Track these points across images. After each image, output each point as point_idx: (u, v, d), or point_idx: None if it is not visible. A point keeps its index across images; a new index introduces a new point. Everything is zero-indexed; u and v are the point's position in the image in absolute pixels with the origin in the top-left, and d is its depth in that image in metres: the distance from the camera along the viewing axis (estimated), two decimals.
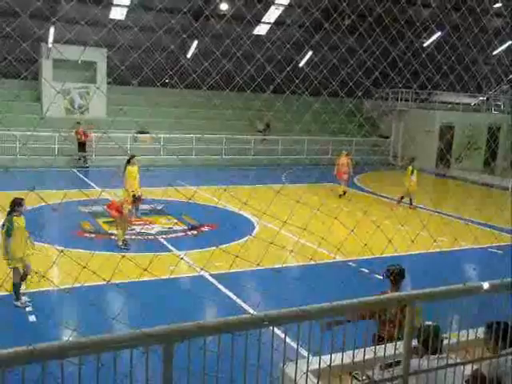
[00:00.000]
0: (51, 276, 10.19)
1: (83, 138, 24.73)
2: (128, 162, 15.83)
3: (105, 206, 13.78)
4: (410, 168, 19.23)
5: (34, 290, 9.50)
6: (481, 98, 33.86)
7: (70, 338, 2.86)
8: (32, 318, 8.80)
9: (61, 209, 14.84)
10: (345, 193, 20.26)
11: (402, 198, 19.22)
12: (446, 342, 4.49)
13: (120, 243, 12.83)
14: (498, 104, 34.66)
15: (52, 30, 25.56)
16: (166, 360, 2.98)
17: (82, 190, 14.84)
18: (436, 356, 4.39)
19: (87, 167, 17.16)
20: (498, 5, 24.83)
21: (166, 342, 2.99)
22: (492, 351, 4.77)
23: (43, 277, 3.66)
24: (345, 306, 3.58)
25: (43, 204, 13.57)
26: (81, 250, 11.48)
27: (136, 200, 13.66)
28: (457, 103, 33.20)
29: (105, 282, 6.10)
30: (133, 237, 13.96)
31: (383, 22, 6.63)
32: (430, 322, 4.63)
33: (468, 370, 4.56)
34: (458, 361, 4.37)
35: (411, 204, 18.98)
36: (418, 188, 19.26)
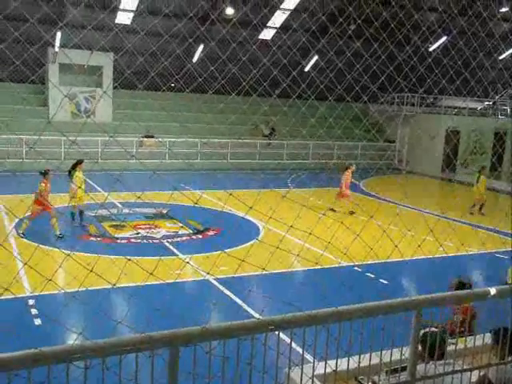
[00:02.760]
0: (57, 279, 10.21)
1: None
2: (75, 166, 14.82)
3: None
4: (477, 175, 19.60)
5: (40, 294, 9.52)
6: (487, 103, 33.77)
7: (76, 342, 2.86)
8: (38, 322, 8.81)
9: (66, 213, 14.89)
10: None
11: (474, 205, 19.45)
12: (452, 347, 4.46)
13: (58, 232, 13.50)
14: (504, 109, 34.54)
15: (59, 35, 25.70)
16: (172, 364, 2.97)
17: (89, 193, 14.85)
18: (442, 362, 4.37)
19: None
20: (504, 9, 24.80)
21: (172, 345, 2.98)
22: (499, 357, 4.74)
23: (50, 280, 3.66)
24: (350, 310, 3.57)
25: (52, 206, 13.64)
26: (86, 254, 11.50)
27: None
28: (463, 108, 33.13)
29: (110, 286, 6.10)
30: (138, 240, 13.98)
31: (389, 27, 6.62)
32: (434, 328, 4.61)
33: (475, 376, 4.54)
34: (465, 367, 4.35)
35: (480, 210, 19.37)
36: (424, 193, 19.27)
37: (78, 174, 14.67)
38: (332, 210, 17.53)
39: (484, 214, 19.09)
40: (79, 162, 14.87)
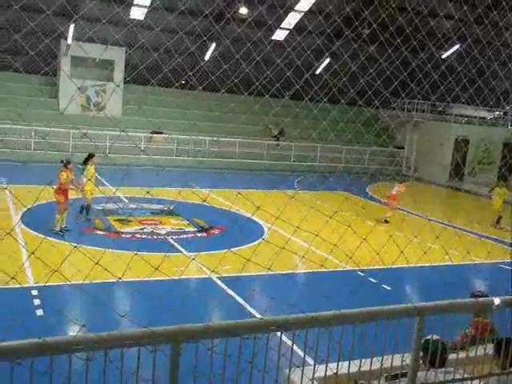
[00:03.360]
0: (62, 271, 10.24)
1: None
2: (87, 160, 14.82)
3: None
4: (497, 189, 19.34)
5: (43, 285, 9.56)
6: (497, 113, 33.62)
7: (79, 334, 2.87)
8: (40, 312, 8.84)
9: (74, 205, 14.94)
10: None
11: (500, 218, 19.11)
12: (454, 356, 4.45)
13: (57, 228, 13.32)
14: None
15: (72, 28, 25.79)
16: (174, 359, 2.98)
17: (98, 187, 14.92)
18: (443, 370, 4.36)
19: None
20: None
21: (174, 341, 2.99)
22: (500, 368, 4.72)
23: (55, 271, 3.68)
24: (353, 314, 3.57)
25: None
26: (91, 247, 11.54)
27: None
28: (473, 117, 33.00)
29: (113, 280, 6.12)
30: (143, 236, 14.01)
31: (404, 32, 6.61)
32: (436, 336, 4.60)
33: None
34: (466, 376, 4.33)
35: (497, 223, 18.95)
36: (433, 200, 19.24)
37: (90, 168, 14.73)
38: (385, 221, 17.69)
39: (501, 228, 18.59)
40: (91, 156, 14.89)
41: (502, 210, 19.07)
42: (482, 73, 7.85)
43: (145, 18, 26.67)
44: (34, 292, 9.46)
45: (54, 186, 13.26)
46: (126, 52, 27.34)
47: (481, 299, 4.93)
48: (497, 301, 4.20)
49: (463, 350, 4.62)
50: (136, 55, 24.74)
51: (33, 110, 25.70)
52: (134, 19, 26.07)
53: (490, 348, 4.84)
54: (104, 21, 6.17)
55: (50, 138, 22.93)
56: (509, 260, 12.81)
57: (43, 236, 12.01)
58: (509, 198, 19.48)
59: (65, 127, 24.62)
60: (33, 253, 3.90)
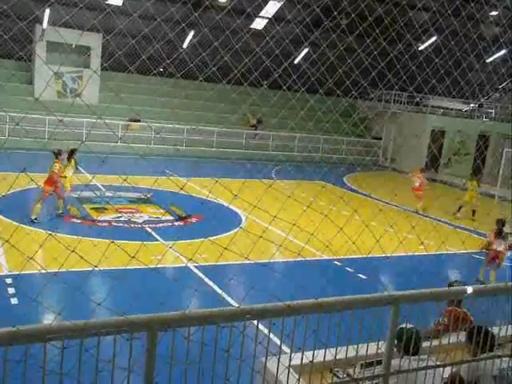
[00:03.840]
0: (37, 260, 10.13)
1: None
2: (70, 157, 14.74)
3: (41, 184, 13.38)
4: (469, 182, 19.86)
5: (18, 273, 9.45)
6: (473, 105, 34.05)
7: (54, 322, 2.84)
8: (14, 301, 8.74)
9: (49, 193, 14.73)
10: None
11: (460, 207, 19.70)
12: (428, 344, 4.53)
13: (33, 217, 13.20)
14: (490, 111, 34.89)
15: (47, 12, 25.32)
16: (150, 347, 2.98)
17: (76, 175, 14.73)
18: (416, 357, 4.43)
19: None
20: (495, 13, 24.97)
21: (150, 329, 2.98)
22: (472, 355, 4.83)
23: (31, 258, 3.64)
24: (330, 302, 3.60)
25: (32, 186, 13.49)
26: (67, 235, 11.42)
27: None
28: (449, 109, 33.37)
29: (89, 268, 6.07)
30: (119, 224, 13.92)
31: (382, 23, 6.63)
32: (410, 325, 4.67)
33: (447, 372, 4.62)
34: (438, 363, 4.42)
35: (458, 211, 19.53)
36: (409, 190, 19.62)
37: (72, 163, 14.76)
38: (416, 212, 18.36)
39: (457, 217, 19.21)
40: (73, 152, 14.83)
41: (470, 201, 19.49)
42: (459, 65, 7.94)
43: (122, 4, 26.31)
44: (9, 280, 9.35)
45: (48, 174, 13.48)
46: (103, 38, 26.95)
47: (453, 288, 5.02)
48: (469, 289, 4.28)
49: (436, 338, 4.71)
50: (113, 41, 24.40)
51: (6, 96, 25.21)
52: (112, 4, 25.70)
53: (462, 336, 4.93)
54: (81, 6, 6.08)
55: (24, 125, 22.57)
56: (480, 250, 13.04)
57: (17, 224, 11.86)
58: (478, 190, 20.03)
59: (40, 113, 24.23)
60: (7, 241, 3.85)
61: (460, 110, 34.48)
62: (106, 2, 25.82)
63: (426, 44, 28.28)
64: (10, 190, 13.16)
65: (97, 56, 27.42)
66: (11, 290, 9.07)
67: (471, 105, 33.98)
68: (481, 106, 34.03)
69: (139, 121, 27.38)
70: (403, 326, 4.54)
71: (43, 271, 8.05)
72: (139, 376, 3.02)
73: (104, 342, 2.93)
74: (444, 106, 33.65)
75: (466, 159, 31.79)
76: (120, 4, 26.29)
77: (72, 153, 14.81)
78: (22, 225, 11.71)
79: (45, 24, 26.01)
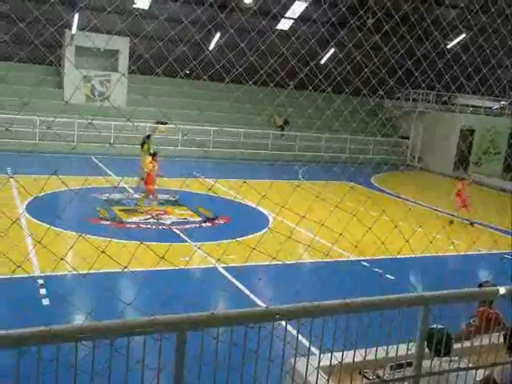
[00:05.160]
0: (67, 261, 10.29)
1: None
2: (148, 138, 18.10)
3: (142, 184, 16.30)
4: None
5: (49, 274, 9.60)
6: (503, 102, 33.43)
7: (85, 322, 2.88)
8: (46, 302, 8.88)
9: (78, 195, 14.95)
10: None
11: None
12: (459, 345, 4.46)
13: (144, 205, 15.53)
14: None
15: (76, 17, 25.72)
16: (179, 348, 2.99)
17: (105, 177, 14.98)
18: (448, 359, 4.37)
19: None
20: None
21: (179, 330, 3.00)
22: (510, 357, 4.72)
23: (62, 259, 3.70)
24: (359, 303, 3.57)
25: (62, 189, 13.72)
26: (97, 237, 11.57)
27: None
28: (478, 106, 32.82)
29: (119, 270, 6.14)
30: (147, 226, 14.05)
31: (409, 21, 6.56)
32: (441, 326, 4.60)
33: (480, 375, 4.53)
34: (471, 365, 4.34)
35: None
36: (434, 190, 19.20)
37: (145, 149, 17.48)
38: (451, 222, 16.68)
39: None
40: (148, 137, 18.38)
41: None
42: (488, 62, 7.80)
43: (149, 8, 26.57)
44: (40, 281, 9.51)
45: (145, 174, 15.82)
46: (131, 41, 27.27)
47: (486, 289, 4.92)
48: (502, 290, 4.20)
49: (468, 340, 4.63)
50: (141, 45, 24.67)
51: (37, 100, 25.70)
52: (139, 8, 25.98)
53: (494, 338, 4.84)
54: (109, 10, 6.15)
55: (54, 128, 22.95)
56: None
57: (48, 225, 12.05)
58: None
59: (69, 117, 24.61)
60: (39, 242, 3.91)
61: (490, 107, 33.88)
62: (134, 6, 26.12)
63: (455, 42, 27.87)
64: (41, 193, 13.43)
65: (124, 59, 27.75)
66: (43, 291, 9.22)
67: (501, 102, 33.36)
68: (511, 103, 33.37)
69: (166, 123, 27.61)
70: (434, 326, 4.48)
71: (74, 272, 8.16)
72: (169, 376, 3.04)
73: (134, 342, 2.96)
74: (473, 104, 33.10)
75: (496, 158, 31.23)
76: (147, 7, 26.55)
77: (148, 138, 18.02)
78: (52, 226, 11.90)
79: (74, 29, 26.42)
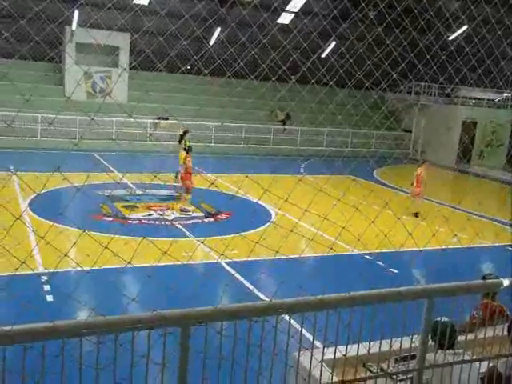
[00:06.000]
0: (70, 257, 10.30)
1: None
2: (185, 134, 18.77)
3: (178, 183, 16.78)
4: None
5: (52, 271, 9.61)
6: (506, 94, 33.30)
7: (89, 318, 2.89)
8: (50, 298, 8.91)
9: (81, 192, 14.95)
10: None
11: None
12: (463, 338, 4.46)
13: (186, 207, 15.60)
14: None
15: (76, 14, 25.66)
16: (183, 342, 3.00)
17: (108, 174, 14.98)
18: (452, 351, 4.37)
19: None
20: None
21: (183, 324, 3.00)
22: None
23: (65, 255, 3.72)
24: (363, 296, 3.57)
25: (65, 186, 13.72)
26: (99, 233, 11.58)
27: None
28: (481, 99, 32.69)
29: (122, 265, 6.15)
30: (150, 221, 14.06)
31: (411, 13, 6.53)
32: (445, 318, 4.60)
33: (484, 366, 4.53)
34: (475, 357, 4.34)
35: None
36: (438, 182, 19.12)
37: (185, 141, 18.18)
38: (415, 215, 15.60)
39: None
40: (185, 133, 18.76)
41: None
42: (491, 54, 7.76)
43: (149, 3, 26.51)
44: (44, 278, 9.53)
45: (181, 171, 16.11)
46: (131, 37, 27.21)
47: (489, 281, 4.92)
48: (506, 282, 4.19)
49: (472, 332, 4.63)
50: (141, 40, 24.61)
51: (38, 97, 25.67)
52: (139, 4, 25.92)
53: (498, 330, 4.83)
54: (109, 6, 6.13)
55: (56, 125, 22.95)
56: None
57: (51, 222, 12.07)
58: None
59: (71, 114, 24.61)
60: (42, 237, 3.92)
61: (492, 99, 33.76)
62: (134, 2, 26.06)
63: (457, 33, 27.75)
64: (43, 190, 13.43)
65: (125, 55, 27.71)
66: (47, 287, 9.23)
67: (504, 94, 33.23)
68: None
69: (167, 119, 27.58)
70: (438, 319, 4.47)
71: (78, 268, 8.18)
72: (173, 370, 3.04)
73: (138, 336, 2.96)
74: (476, 97, 32.98)
75: (499, 150, 31.14)
76: (147, 3, 26.49)
77: (184, 134, 18.42)
78: (55, 223, 11.91)
79: (74, 25, 26.37)
